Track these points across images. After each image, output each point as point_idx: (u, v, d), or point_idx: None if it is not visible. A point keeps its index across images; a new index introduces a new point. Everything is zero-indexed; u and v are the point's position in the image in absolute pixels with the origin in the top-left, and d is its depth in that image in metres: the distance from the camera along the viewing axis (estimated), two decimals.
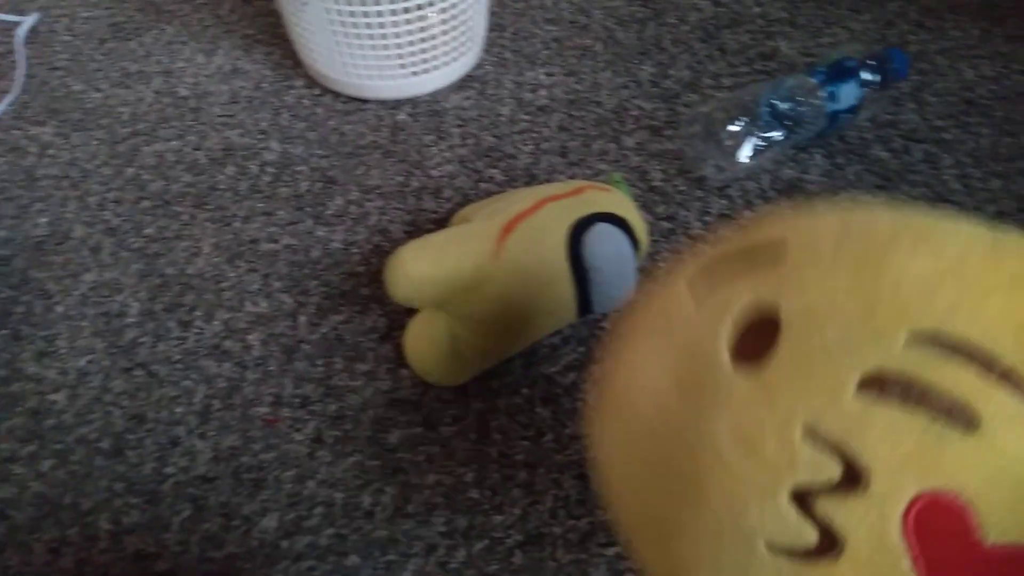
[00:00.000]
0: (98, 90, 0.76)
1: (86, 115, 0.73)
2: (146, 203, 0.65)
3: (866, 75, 0.64)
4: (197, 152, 0.69)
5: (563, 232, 0.48)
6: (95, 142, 0.70)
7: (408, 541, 0.45)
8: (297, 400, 0.51)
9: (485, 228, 0.48)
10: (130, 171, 0.67)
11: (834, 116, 0.63)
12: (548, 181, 0.65)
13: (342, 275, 0.58)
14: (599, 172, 0.65)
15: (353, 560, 0.44)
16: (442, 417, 0.50)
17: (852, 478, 0.21)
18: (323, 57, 0.69)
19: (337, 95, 0.74)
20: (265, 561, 0.44)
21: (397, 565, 0.44)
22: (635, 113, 0.71)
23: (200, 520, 0.46)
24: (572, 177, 0.65)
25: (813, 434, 0.22)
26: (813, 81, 0.63)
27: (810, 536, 0.22)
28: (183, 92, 0.75)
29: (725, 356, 0.24)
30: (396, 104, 0.72)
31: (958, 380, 0.20)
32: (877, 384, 0.21)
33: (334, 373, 0.52)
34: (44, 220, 0.63)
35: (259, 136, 0.70)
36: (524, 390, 0.51)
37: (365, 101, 0.73)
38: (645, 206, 0.62)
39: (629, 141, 0.68)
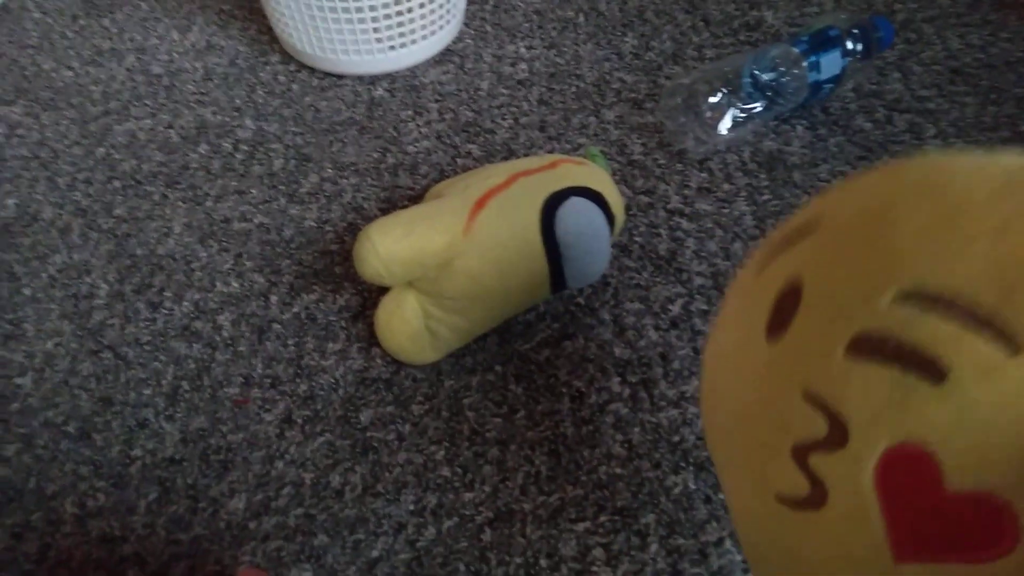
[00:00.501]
0: (69, 68, 0.74)
1: (56, 94, 0.72)
2: (117, 183, 0.63)
3: (850, 44, 0.62)
4: (170, 131, 0.68)
5: (536, 207, 0.47)
6: (65, 121, 0.69)
7: (377, 520, 0.44)
8: (267, 380, 0.50)
9: (456, 204, 0.47)
10: (101, 151, 0.66)
11: (817, 86, 0.62)
12: (527, 156, 0.63)
13: (315, 254, 0.57)
14: (578, 146, 0.64)
15: (321, 540, 0.43)
16: (414, 396, 0.49)
17: (839, 434, 0.22)
18: (299, 32, 0.68)
19: (313, 71, 0.72)
20: (232, 542, 0.43)
21: (365, 544, 0.43)
22: (616, 86, 0.69)
23: (167, 502, 0.45)
24: (551, 152, 0.64)
25: (809, 396, 0.23)
26: (796, 51, 0.61)
27: (803, 488, 0.23)
28: (156, 70, 0.74)
29: (761, 328, 0.25)
30: (373, 79, 0.71)
31: (933, 333, 0.20)
32: (866, 344, 0.22)
33: (305, 353, 0.51)
34: (12, 202, 0.62)
35: (233, 114, 0.69)
36: (497, 367, 0.50)
37: (341, 77, 0.71)
38: (624, 180, 0.61)
39: (609, 114, 0.66)
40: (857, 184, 0.26)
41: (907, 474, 0.21)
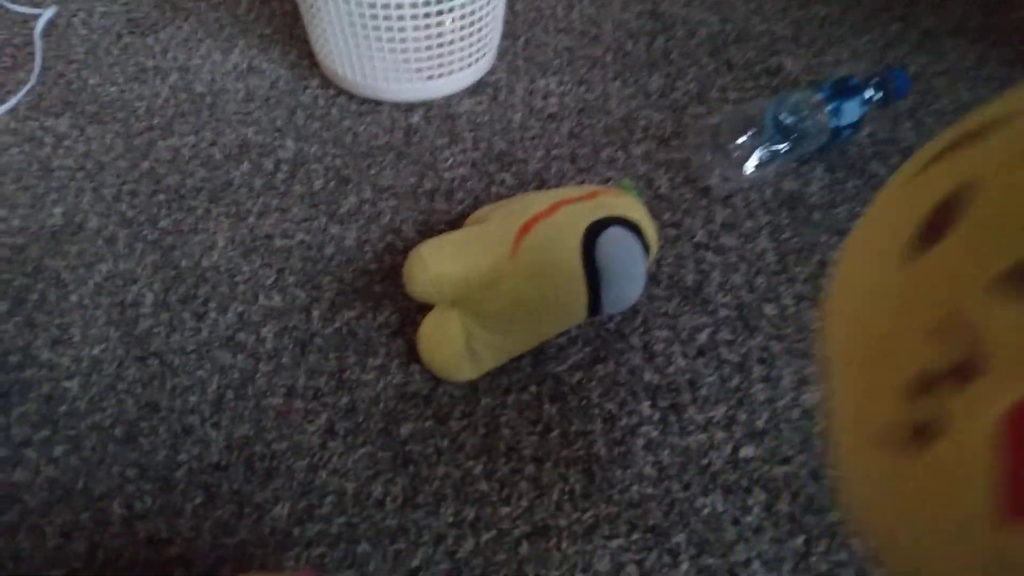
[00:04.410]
0: (114, 84, 0.77)
1: (102, 108, 0.74)
2: (161, 196, 0.66)
3: (869, 93, 0.66)
4: (212, 148, 0.70)
5: (578, 234, 0.49)
6: (110, 135, 0.71)
7: (417, 531, 0.45)
8: (310, 392, 0.52)
9: (502, 228, 0.49)
10: (145, 165, 0.68)
11: (836, 131, 0.65)
12: (558, 186, 0.66)
13: (355, 272, 0.59)
14: (608, 179, 0.66)
15: (364, 548, 0.45)
16: (452, 412, 0.51)
17: (973, 368, 0.20)
18: (340, 58, 0.71)
19: (352, 96, 0.75)
20: (277, 547, 0.45)
21: (406, 553, 0.45)
22: (643, 123, 0.72)
23: (213, 507, 0.47)
24: (581, 182, 0.66)
25: (951, 318, 0.20)
26: (818, 97, 0.64)
27: (919, 420, 0.21)
28: (199, 89, 0.76)
29: (906, 238, 0.22)
30: (410, 107, 0.74)
31: None
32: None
33: (346, 367, 0.53)
34: (59, 210, 0.64)
35: (275, 134, 0.71)
36: (532, 387, 0.52)
37: (379, 103, 0.74)
38: (652, 213, 0.63)
39: (637, 150, 0.69)
40: None
41: None
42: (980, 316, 0.19)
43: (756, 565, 0.43)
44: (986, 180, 0.21)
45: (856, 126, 0.66)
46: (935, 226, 0.21)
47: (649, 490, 0.47)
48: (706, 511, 0.46)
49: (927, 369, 0.20)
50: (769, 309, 0.56)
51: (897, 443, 0.21)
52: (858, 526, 0.25)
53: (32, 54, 0.79)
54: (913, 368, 0.21)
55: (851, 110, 0.65)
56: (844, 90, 0.65)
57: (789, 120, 0.64)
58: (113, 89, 0.76)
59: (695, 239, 0.61)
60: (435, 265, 0.46)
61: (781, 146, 0.63)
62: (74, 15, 0.85)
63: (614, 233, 0.50)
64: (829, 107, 0.64)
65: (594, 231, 0.49)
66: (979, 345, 0.19)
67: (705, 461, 0.48)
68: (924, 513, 0.21)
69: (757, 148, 0.63)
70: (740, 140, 0.63)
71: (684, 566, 0.44)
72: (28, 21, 0.83)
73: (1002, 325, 0.19)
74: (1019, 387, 0.18)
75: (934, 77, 0.77)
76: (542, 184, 0.66)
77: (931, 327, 0.20)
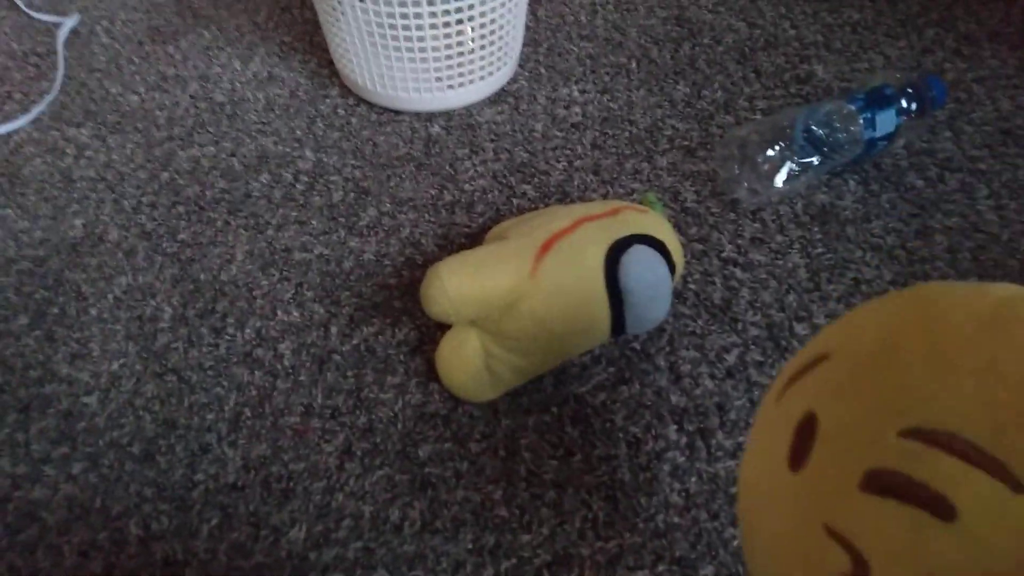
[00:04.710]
0: (135, 93, 0.77)
1: (123, 118, 0.74)
2: (181, 208, 0.65)
3: (904, 103, 0.63)
4: (232, 158, 0.70)
5: (601, 253, 0.48)
6: (131, 145, 0.71)
7: (435, 557, 0.44)
8: (327, 411, 0.51)
9: (522, 246, 0.48)
10: (165, 175, 0.68)
11: (871, 143, 0.63)
12: (581, 198, 0.65)
13: (374, 287, 0.58)
14: (632, 191, 0.65)
15: (381, 574, 0.44)
16: (472, 433, 0.50)
17: (864, 569, 0.22)
18: (359, 68, 0.70)
19: (372, 106, 0.74)
20: (293, 572, 0.44)
21: None
22: (668, 133, 0.71)
23: (229, 528, 0.46)
24: (605, 195, 0.65)
25: (830, 530, 0.23)
26: (851, 107, 0.62)
27: None
28: (219, 98, 0.76)
29: (784, 458, 0.26)
30: (430, 117, 0.73)
31: (938, 470, 0.21)
32: (878, 480, 0.22)
33: (364, 385, 0.52)
34: (79, 222, 0.64)
35: (294, 144, 0.71)
36: (554, 409, 0.51)
37: (399, 112, 0.73)
38: (678, 227, 0.62)
39: (662, 161, 0.68)
40: (863, 315, 0.27)
41: None
42: (852, 524, 0.23)
43: None
44: (820, 410, 0.25)
45: (891, 137, 0.64)
46: (800, 445, 0.25)
47: (675, 519, 0.45)
48: (735, 543, 0.44)
49: (832, 572, 0.23)
50: (800, 328, 0.55)
51: None
52: None
53: (55, 63, 0.79)
54: (820, 573, 0.23)
55: (886, 121, 0.63)
56: (879, 100, 0.63)
57: (821, 132, 0.62)
58: (134, 98, 0.76)
59: (723, 255, 0.60)
60: (453, 285, 0.45)
61: (812, 158, 0.62)
62: (97, 23, 0.85)
63: (638, 252, 0.48)
64: (863, 118, 0.62)
65: (617, 249, 0.48)
66: (859, 551, 0.22)
67: (734, 490, 0.46)
68: None
69: (787, 160, 0.61)
70: (769, 152, 0.61)
71: None
72: (51, 30, 0.83)
73: (871, 527, 0.22)
74: None
75: (973, 84, 0.74)
76: (564, 197, 0.65)
77: (821, 536, 0.23)
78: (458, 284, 0.45)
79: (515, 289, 0.46)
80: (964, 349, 0.22)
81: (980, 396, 0.21)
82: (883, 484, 0.22)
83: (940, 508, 0.21)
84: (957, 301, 0.24)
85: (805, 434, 0.25)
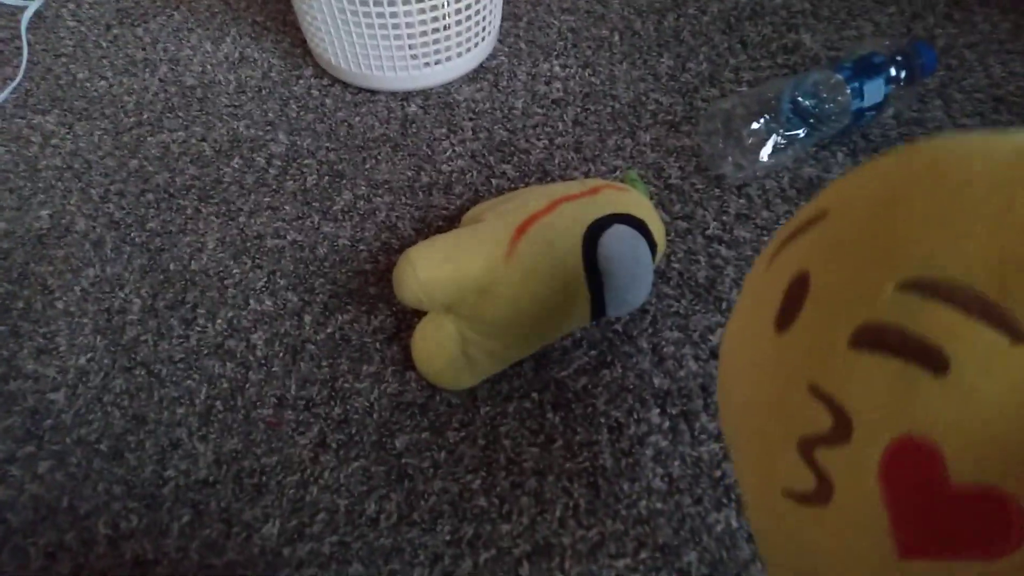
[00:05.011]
0: (103, 78, 0.74)
1: (90, 104, 0.72)
2: (150, 196, 0.63)
3: (893, 71, 0.61)
4: (203, 143, 0.67)
5: (578, 234, 0.46)
6: (99, 132, 0.69)
7: (413, 550, 0.43)
8: (301, 402, 0.50)
9: (497, 229, 0.46)
10: (134, 163, 0.66)
11: (859, 113, 0.61)
12: (562, 177, 0.63)
13: (349, 273, 0.57)
14: (614, 168, 0.63)
15: (356, 569, 0.43)
16: (449, 422, 0.48)
17: (845, 427, 0.22)
18: (333, 47, 0.68)
19: (346, 85, 0.72)
20: (266, 569, 0.43)
21: (401, 574, 0.42)
22: (652, 108, 0.69)
23: (200, 526, 0.45)
24: (586, 173, 0.63)
25: (814, 389, 0.23)
26: (838, 77, 0.60)
27: (809, 482, 0.23)
28: (189, 81, 0.74)
29: (771, 320, 0.25)
30: (406, 96, 0.71)
31: (934, 323, 0.20)
32: (869, 336, 0.22)
33: (339, 375, 0.51)
34: (46, 212, 0.62)
35: (266, 128, 0.68)
36: (534, 394, 0.49)
37: (375, 92, 0.71)
38: (661, 204, 0.60)
39: (645, 136, 0.66)
40: (865, 172, 0.25)
41: (911, 468, 0.20)
42: (837, 381, 0.22)
43: None
44: (813, 269, 0.24)
45: (880, 107, 0.62)
46: (790, 305, 0.24)
47: (658, 505, 0.44)
48: (719, 527, 0.43)
49: (809, 433, 0.23)
50: None
51: (800, 497, 0.23)
52: (767, 565, 0.28)
53: (19, 48, 0.77)
54: (798, 432, 0.23)
55: (875, 90, 0.61)
56: (867, 68, 0.61)
57: (808, 102, 0.60)
58: (102, 83, 0.74)
59: (707, 232, 0.58)
60: (425, 270, 0.43)
61: (799, 131, 0.60)
62: (62, 6, 0.83)
63: (617, 231, 0.46)
64: (851, 87, 0.60)
65: (596, 230, 0.46)
66: (842, 408, 0.22)
67: (718, 473, 0.45)
68: (833, 560, 0.23)
69: (773, 133, 0.59)
70: (755, 125, 0.59)
71: None
72: (15, 14, 0.81)
73: (858, 383, 0.21)
74: (882, 439, 0.21)
75: (964, 50, 0.72)
76: (545, 176, 0.63)
77: (803, 396, 0.23)
78: (429, 269, 0.44)
79: (490, 273, 0.45)
80: (978, 194, 0.21)
81: (992, 242, 0.20)
82: (874, 339, 0.21)
83: (933, 360, 0.20)
84: (973, 148, 0.22)
85: (795, 294, 0.24)
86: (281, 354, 0.52)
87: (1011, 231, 0.20)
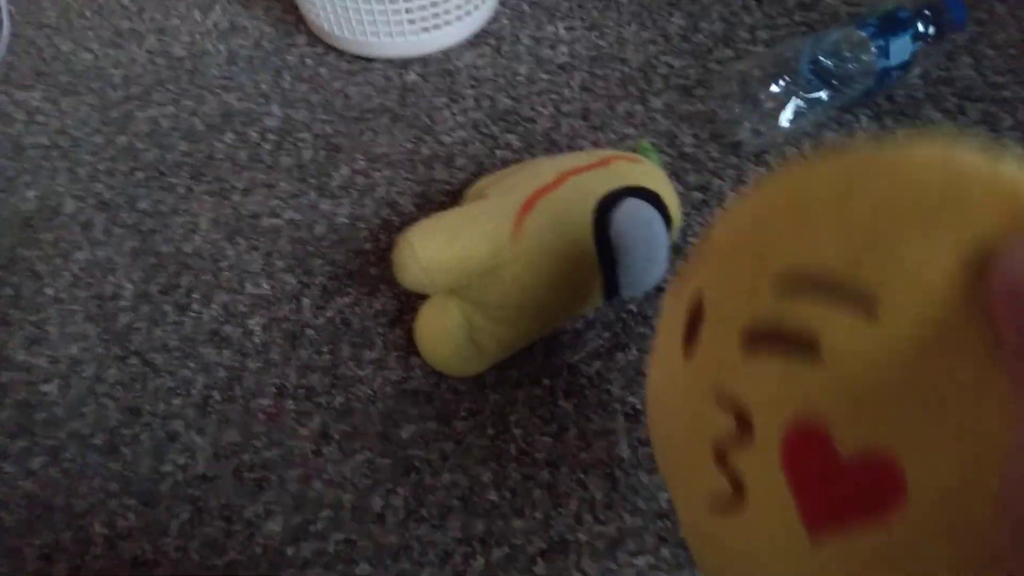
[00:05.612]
0: (88, 50, 0.71)
1: (76, 78, 0.69)
2: (140, 175, 0.60)
3: (920, 27, 0.58)
4: (193, 118, 0.64)
5: (588, 210, 0.43)
6: (85, 107, 0.66)
7: (421, 548, 0.41)
8: (302, 391, 0.47)
9: (502, 206, 0.43)
10: (123, 139, 0.63)
11: (884, 73, 0.58)
12: (569, 147, 0.60)
13: (348, 253, 0.54)
14: (624, 137, 0.60)
15: (363, 568, 0.41)
16: (457, 410, 0.46)
17: (747, 426, 0.23)
18: (326, 12, 0.64)
19: (342, 53, 0.68)
20: (270, 569, 0.41)
21: (410, 574, 0.41)
22: (663, 71, 0.65)
23: (200, 523, 0.43)
24: (595, 142, 0.60)
25: (718, 397, 0.24)
26: (862, 34, 0.57)
27: (726, 489, 0.24)
28: (178, 52, 0.70)
29: (679, 343, 0.27)
30: (405, 63, 0.67)
31: (802, 313, 0.22)
32: (754, 336, 0.23)
33: (341, 361, 0.49)
34: (32, 194, 0.60)
35: (259, 100, 0.65)
36: (545, 380, 0.47)
37: (371, 60, 0.68)
38: (675, 174, 0.57)
39: (657, 102, 0.62)
40: (741, 198, 0.27)
41: (805, 450, 0.22)
42: (733, 388, 0.24)
43: None
44: (705, 287, 0.26)
45: (906, 66, 0.58)
46: (692, 326, 0.26)
47: None
48: None
49: (720, 439, 0.24)
50: None
51: (721, 506, 0.25)
52: None
53: (1, 20, 0.73)
54: (711, 441, 0.25)
55: (901, 48, 0.57)
56: (892, 24, 0.57)
57: (829, 62, 0.56)
58: (88, 56, 0.71)
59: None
60: (426, 253, 0.40)
61: (820, 93, 0.56)
62: None
63: (630, 206, 0.44)
64: (875, 45, 0.56)
65: (607, 204, 0.43)
66: (742, 408, 0.24)
67: None
68: (757, 562, 0.24)
69: (792, 96, 0.56)
70: (773, 87, 0.56)
71: None
72: None
73: (750, 381, 0.23)
74: (777, 429, 0.22)
75: (994, 3, 0.68)
76: (551, 146, 0.60)
77: (711, 405, 0.25)
78: (431, 251, 0.41)
79: (495, 254, 0.42)
80: (823, 188, 0.23)
81: (837, 227, 0.22)
82: (759, 337, 0.23)
83: (807, 347, 0.22)
84: (818, 165, 0.24)
85: (695, 314, 0.26)
86: (279, 340, 0.50)
87: (852, 213, 0.22)
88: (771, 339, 0.23)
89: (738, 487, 0.24)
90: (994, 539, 0.18)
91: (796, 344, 0.22)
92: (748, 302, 0.24)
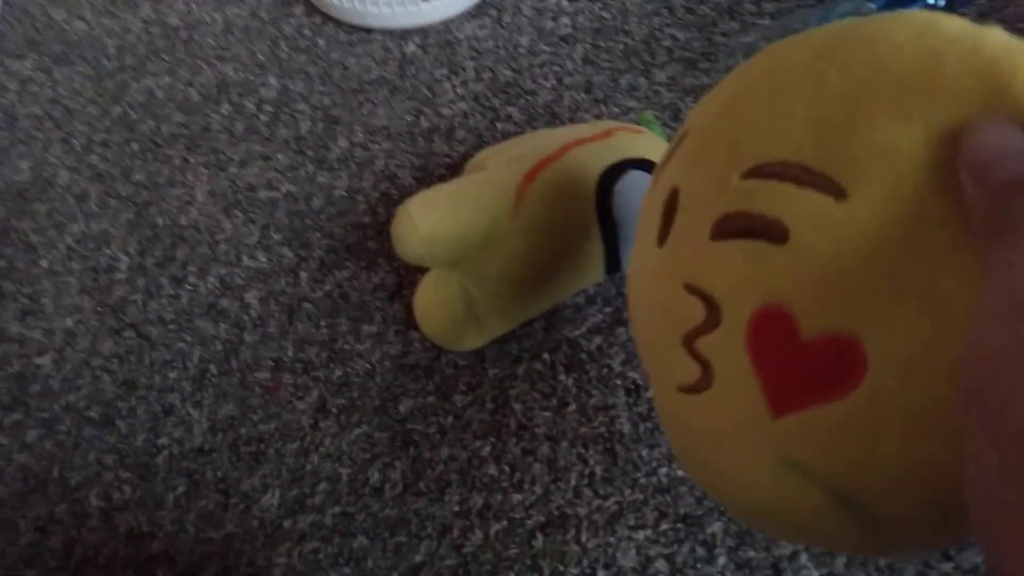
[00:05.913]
0: (82, 19, 0.70)
1: (69, 47, 0.67)
2: (135, 146, 0.60)
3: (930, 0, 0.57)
4: (189, 88, 0.63)
5: (591, 181, 0.43)
6: (79, 77, 0.65)
7: (420, 521, 0.41)
8: (299, 365, 0.47)
9: (503, 177, 0.43)
10: (117, 110, 0.62)
11: None
12: (571, 120, 0.59)
13: (346, 226, 0.53)
14: (628, 110, 0.59)
15: (360, 542, 0.41)
16: (456, 385, 0.46)
17: (715, 313, 0.24)
18: None
19: (340, 24, 0.67)
20: (266, 542, 0.41)
21: (407, 547, 0.40)
22: (667, 44, 0.64)
23: (196, 497, 0.43)
24: (598, 116, 0.59)
25: (688, 286, 0.25)
26: (871, 5, 0.56)
27: (695, 373, 0.25)
28: (173, 21, 0.69)
29: (654, 237, 0.27)
30: (404, 34, 0.66)
31: (772, 198, 0.22)
32: (724, 226, 0.24)
33: (339, 335, 0.48)
34: (26, 165, 0.59)
35: (256, 70, 0.64)
36: (545, 355, 0.47)
37: (370, 31, 0.66)
38: None
39: (661, 75, 0.61)
40: (715, 89, 0.28)
41: (770, 333, 0.23)
42: (704, 271, 0.25)
43: (804, 559, 0.38)
44: (680, 182, 0.27)
45: None
46: (666, 221, 0.27)
47: (679, 472, 0.41)
48: None
49: (690, 327, 0.25)
50: None
51: (690, 388, 0.25)
52: (681, 465, 0.30)
53: None
54: (681, 329, 0.25)
55: None
56: None
57: None
58: (81, 25, 0.69)
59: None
60: (426, 225, 0.40)
61: None
62: None
63: (633, 178, 0.43)
64: None
65: (610, 177, 0.43)
66: (710, 295, 0.24)
67: None
68: (722, 439, 0.25)
69: None
70: None
71: (721, 560, 0.39)
72: None
73: (719, 269, 0.24)
74: (744, 314, 0.23)
75: None
76: (553, 119, 0.59)
77: (681, 294, 0.25)
78: (431, 223, 0.40)
79: (496, 226, 0.41)
80: (797, 79, 0.23)
81: (808, 117, 0.22)
82: (728, 228, 0.24)
83: (775, 233, 0.22)
84: (797, 40, 0.25)
85: (670, 209, 0.27)
86: (277, 314, 0.49)
87: (824, 103, 0.22)
88: (739, 228, 0.23)
89: (706, 369, 0.25)
90: (947, 419, 0.19)
91: (763, 231, 0.23)
92: (720, 193, 0.24)
